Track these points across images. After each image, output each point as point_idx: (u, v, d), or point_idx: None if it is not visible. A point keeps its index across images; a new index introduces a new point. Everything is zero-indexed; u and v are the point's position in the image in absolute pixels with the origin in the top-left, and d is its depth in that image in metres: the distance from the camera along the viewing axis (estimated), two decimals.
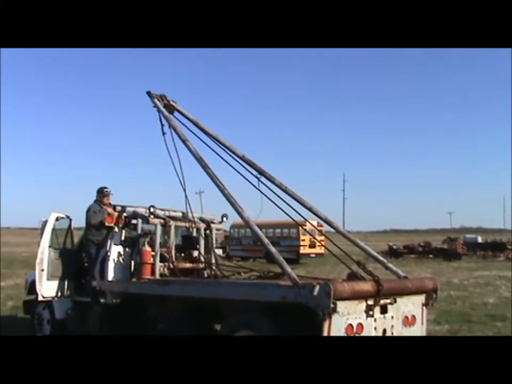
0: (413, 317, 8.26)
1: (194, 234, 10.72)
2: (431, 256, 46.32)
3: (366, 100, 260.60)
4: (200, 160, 8.88)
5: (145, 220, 9.84)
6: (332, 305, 6.81)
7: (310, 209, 9.50)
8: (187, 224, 10.48)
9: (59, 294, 10.67)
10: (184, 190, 9.57)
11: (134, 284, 9.43)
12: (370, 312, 7.49)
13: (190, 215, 9.87)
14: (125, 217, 10.02)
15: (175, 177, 9.47)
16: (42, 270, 10.50)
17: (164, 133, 9.61)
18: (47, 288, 10.53)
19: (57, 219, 10.82)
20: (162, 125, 9.67)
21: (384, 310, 7.72)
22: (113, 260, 9.82)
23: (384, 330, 7.75)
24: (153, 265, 9.62)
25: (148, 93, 9.92)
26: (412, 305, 8.28)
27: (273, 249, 7.78)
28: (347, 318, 7.15)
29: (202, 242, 10.57)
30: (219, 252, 11.68)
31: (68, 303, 10.70)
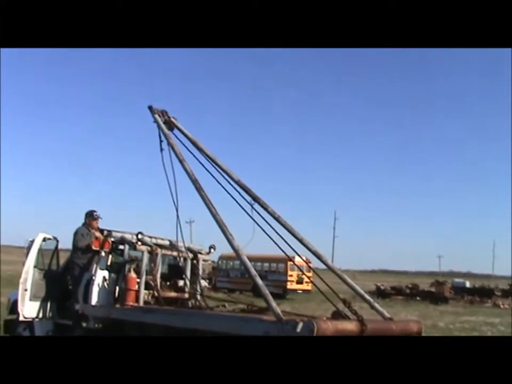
0: None
1: (181, 263, 10.69)
2: (418, 298, 46.19)
3: (363, 139, 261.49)
4: (195, 182, 8.78)
5: (133, 246, 9.78)
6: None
7: (300, 241, 9.36)
8: (174, 253, 10.43)
9: (40, 315, 10.55)
10: (177, 210, 9.46)
11: (117, 309, 9.33)
12: None
13: (180, 239, 9.64)
14: (112, 242, 9.98)
15: (166, 205, 9.44)
16: (26, 290, 10.39)
17: (162, 149, 9.53)
18: (29, 309, 10.42)
19: (44, 240, 10.76)
20: (161, 141, 9.58)
21: None
22: (98, 285, 9.74)
23: None
24: (137, 292, 9.54)
25: (150, 108, 9.81)
26: None
27: (259, 281, 7.70)
28: None
29: (188, 272, 10.51)
30: (205, 282, 11.62)
31: (49, 324, 10.57)
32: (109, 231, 10.01)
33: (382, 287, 49.72)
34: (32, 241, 10.73)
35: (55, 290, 10.68)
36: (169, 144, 9.45)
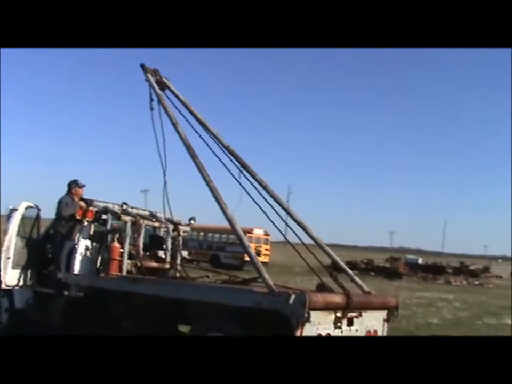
0: (375, 331, 8.48)
1: (161, 234, 10.79)
2: (372, 273, 47.02)
3: (316, 115, 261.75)
4: (189, 148, 8.66)
5: (117, 216, 9.83)
6: (305, 315, 6.99)
7: (286, 210, 9.43)
8: (156, 224, 10.52)
9: (21, 283, 10.51)
10: (164, 174, 9.36)
11: (102, 279, 9.42)
12: (338, 324, 7.70)
13: (166, 206, 9.45)
14: (96, 212, 10.01)
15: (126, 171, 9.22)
16: (8, 258, 10.38)
17: (152, 108, 9.37)
18: (11, 277, 10.40)
19: (26, 208, 10.71)
20: (151, 100, 9.41)
21: (350, 322, 7.92)
22: (80, 254, 9.79)
23: None
24: (121, 262, 9.63)
25: (142, 66, 9.57)
26: (375, 320, 8.50)
27: (252, 252, 7.86)
28: (317, 328, 7.33)
29: (169, 243, 10.62)
30: (185, 253, 11.75)
31: (29, 292, 10.54)
32: (92, 201, 10.04)
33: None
34: (13, 209, 10.68)
35: (35, 259, 10.66)
36: (161, 105, 9.26)
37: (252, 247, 41.06)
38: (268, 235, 41.38)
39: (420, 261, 57.26)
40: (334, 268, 35.04)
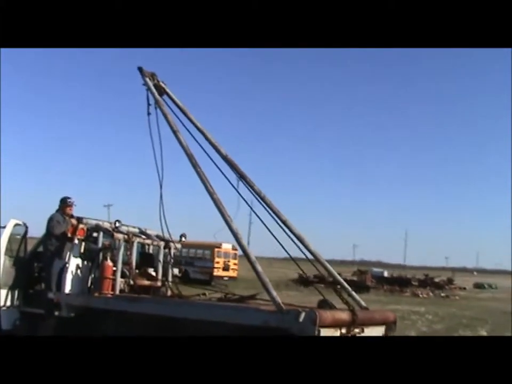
0: None
1: (151, 251, 10.65)
2: (339, 287, 47.01)
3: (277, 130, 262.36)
4: (190, 157, 8.42)
5: (109, 234, 9.66)
6: (316, 332, 6.94)
7: (284, 223, 9.22)
8: (148, 241, 10.37)
9: (8, 303, 10.17)
10: (161, 187, 9.18)
11: (97, 298, 9.19)
12: None
13: (163, 222, 9.18)
14: (87, 229, 9.83)
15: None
16: None
17: (149, 113, 9.14)
18: (1, 297, 10.06)
19: (14, 226, 10.43)
20: (149, 104, 9.18)
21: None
22: (71, 272, 9.58)
23: None
24: (113, 280, 9.43)
25: (140, 69, 9.31)
26: (375, 335, 8.50)
27: (259, 268, 7.71)
28: None
29: (161, 260, 10.46)
30: (176, 271, 11.61)
31: (16, 313, 10.24)
32: (82, 218, 9.85)
33: (304, 276, 50.46)
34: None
35: (23, 278, 10.38)
36: (161, 111, 9.03)
37: (221, 261, 41.03)
38: (235, 250, 41.31)
39: (386, 273, 57.61)
40: (301, 281, 34.33)
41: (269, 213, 9.18)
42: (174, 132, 8.74)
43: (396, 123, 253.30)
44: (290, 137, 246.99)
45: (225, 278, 42.25)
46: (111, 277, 9.41)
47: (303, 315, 7.00)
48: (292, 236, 9.22)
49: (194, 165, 8.37)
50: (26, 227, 10.53)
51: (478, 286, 68.95)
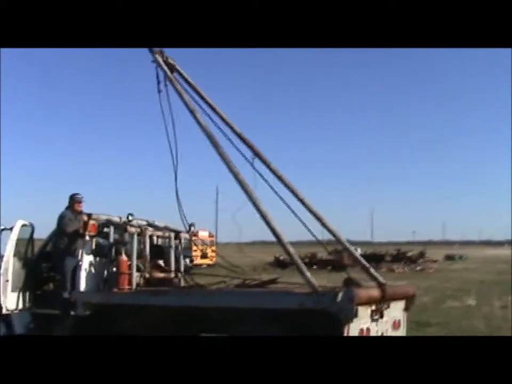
0: (399, 321, 8.60)
1: (161, 243, 10.58)
2: (314, 267, 47.31)
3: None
4: (210, 137, 8.10)
5: (123, 228, 9.54)
6: (354, 311, 7.00)
7: (302, 201, 9.04)
8: (159, 234, 10.29)
9: (19, 306, 9.96)
10: (176, 174, 8.93)
11: (117, 294, 9.06)
12: (375, 317, 7.75)
13: (180, 209, 9.03)
14: (98, 225, 9.71)
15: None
16: (7, 281, 9.80)
17: (160, 91, 8.81)
18: (12, 301, 9.84)
19: (21, 226, 10.22)
20: (159, 82, 8.85)
21: (381, 314, 7.99)
22: (85, 270, 9.44)
23: (382, 334, 8.05)
24: (130, 275, 9.32)
25: (149, 48, 8.79)
26: (397, 310, 8.61)
27: (292, 250, 7.69)
28: (359, 323, 7.35)
29: (172, 252, 10.40)
30: (187, 261, 11.57)
31: (28, 316, 10.06)
32: (91, 214, 9.72)
33: (281, 258, 50.71)
34: (4, 229, 10.21)
35: (32, 279, 10.19)
36: (175, 90, 8.66)
37: (198, 249, 41.00)
38: (212, 236, 41.25)
39: (359, 251, 58.09)
40: (278, 263, 34.50)
41: (290, 192, 9.05)
42: (192, 111, 8.42)
43: (358, 103, 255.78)
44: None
45: (204, 266, 42.29)
46: (127, 271, 9.29)
47: (341, 294, 7.05)
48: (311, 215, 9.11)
49: (215, 145, 8.08)
50: (33, 227, 10.34)
51: (449, 257, 69.88)
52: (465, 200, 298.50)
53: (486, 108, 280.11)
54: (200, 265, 42.11)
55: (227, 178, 7.83)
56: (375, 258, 52.71)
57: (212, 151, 7.98)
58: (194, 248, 41.51)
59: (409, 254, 56.95)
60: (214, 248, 42.20)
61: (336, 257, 48.49)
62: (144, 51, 8.85)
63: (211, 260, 41.55)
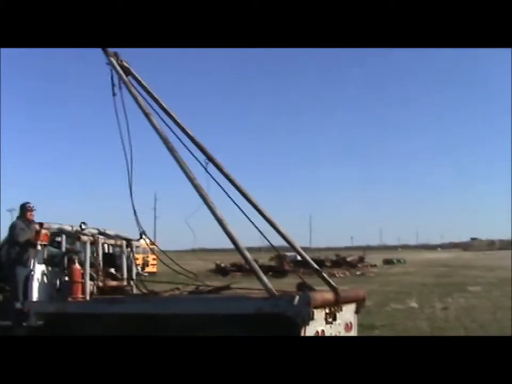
0: (351, 323, 8.80)
1: (111, 251, 10.57)
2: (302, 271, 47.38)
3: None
4: (165, 141, 8.05)
5: (75, 237, 9.50)
6: (310, 314, 7.18)
7: (254, 206, 9.13)
8: (111, 242, 10.28)
9: None
10: (130, 176, 8.91)
11: (73, 303, 8.98)
12: (329, 320, 7.95)
13: (136, 214, 9.14)
14: (50, 234, 9.64)
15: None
16: None
17: (114, 94, 8.74)
18: None
19: None
20: (113, 85, 8.77)
21: (335, 317, 8.20)
22: (37, 280, 9.33)
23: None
24: (83, 283, 9.29)
25: (103, 49, 8.69)
26: (349, 313, 8.83)
27: (249, 256, 7.79)
28: (315, 326, 7.53)
29: (124, 260, 10.40)
30: (139, 269, 11.54)
31: None
32: (43, 223, 9.64)
33: (222, 265, 50.81)
34: None
35: None
36: (130, 93, 8.62)
37: (140, 258, 40.72)
38: (153, 244, 40.71)
39: (298, 257, 58.45)
40: (219, 270, 34.51)
41: (244, 196, 9.16)
42: (147, 115, 8.39)
43: (300, 106, 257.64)
44: None
45: (145, 274, 41.81)
46: (80, 280, 9.24)
47: (297, 298, 7.21)
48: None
49: (171, 150, 8.06)
50: None
51: (388, 262, 71.38)
52: (401, 204, 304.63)
53: (418, 114, 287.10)
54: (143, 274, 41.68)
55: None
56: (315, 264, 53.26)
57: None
58: (136, 256, 41.31)
59: (349, 259, 57.91)
60: (154, 256, 41.84)
61: (277, 263, 49.28)
62: (97, 52, 8.78)
63: (153, 267, 41.30)
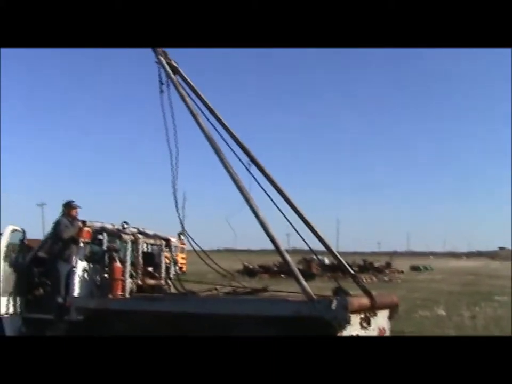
0: (384, 329, 8.93)
1: (151, 250, 10.81)
2: (283, 276, 47.55)
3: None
4: (212, 143, 8.11)
5: (117, 235, 9.79)
6: (347, 318, 7.34)
7: (293, 208, 9.21)
8: (151, 241, 10.54)
9: (10, 310, 10.06)
10: (175, 177, 8.95)
11: (114, 300, 9.26)
12: (364, 325, 8.09)
13: (179, 213, 9.15)
14: (92, 232, 9.92)
15: None
16: None
17: (162, 91, 8.89)
18: (2, 305, 9.94)
19: (12, 232, 10.36)
20: (161, 83, 8.91)
21: (369, 322, 8.34)
22: (79, 276, 9.64)
23: None
24: (123, 281, 9.57)
25: (153, 48, 8.77)
26: (382, 318, 8.96)
27: (288, 258, 7.95)
28: (350, 330, 7.67)
29: (163, 259, 10.66)
30: (177, 268, 11.79)
31: (18, 320, 10.18)
32: (85, 221, 9.93)
33: (250, 266, 50.92)
34: None
35: (24, 284, 10.33)
36: (178, 92, 8.70)
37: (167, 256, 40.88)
38: (183, 244, 40.96)
39: (326, 260, 58.35)
40: (246, 271, 34.48)
41: (284, 199, 9.26)
42: (194, 115, 8.49)
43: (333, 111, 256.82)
44: None
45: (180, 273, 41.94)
46: (121, 278, 9.53)
47: (335, 302, 7.36)
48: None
49: (217, 151, 8.13)
50: (24, 233, 10.46)
51: (415, 268, 70.73)
52: (430, 211, 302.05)
53: (454, 117, 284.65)
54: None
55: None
56: (342, 268, 53.01)
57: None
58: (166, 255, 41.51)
59: (376, 264, 57.51)
60: (184, 255, 42.02)
61: (304, 266, 49.27)
62: (147, 51, 8.93)
63: (182, 267, 41.50)
